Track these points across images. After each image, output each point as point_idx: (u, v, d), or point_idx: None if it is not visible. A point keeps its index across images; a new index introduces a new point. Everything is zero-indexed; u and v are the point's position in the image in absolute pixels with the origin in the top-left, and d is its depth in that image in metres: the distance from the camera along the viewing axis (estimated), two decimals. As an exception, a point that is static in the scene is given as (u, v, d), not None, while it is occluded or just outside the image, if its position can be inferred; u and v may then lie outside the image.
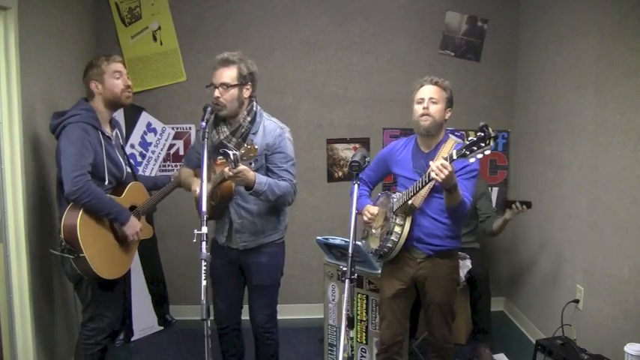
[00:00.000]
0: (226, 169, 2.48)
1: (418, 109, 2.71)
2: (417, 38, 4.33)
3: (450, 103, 2.75)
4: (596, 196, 3.17)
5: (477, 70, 4.38)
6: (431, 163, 2.43)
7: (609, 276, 3.02)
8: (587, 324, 3.21)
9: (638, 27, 2.82)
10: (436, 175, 2.39)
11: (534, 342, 3.31)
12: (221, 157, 2.65)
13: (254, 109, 2.77)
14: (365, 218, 2.84)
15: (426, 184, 2.54)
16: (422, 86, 2.74)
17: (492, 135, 2.23)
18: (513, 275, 4.44)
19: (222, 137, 2.70)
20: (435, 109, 2.68)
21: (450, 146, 2.70)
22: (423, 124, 2.69)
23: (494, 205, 4.08)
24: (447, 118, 2.75)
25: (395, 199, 2.72)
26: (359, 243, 2.94)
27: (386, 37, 4.32)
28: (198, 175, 2.82)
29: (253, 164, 2.68)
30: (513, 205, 3.51)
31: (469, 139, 2.32)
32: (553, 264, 3.74)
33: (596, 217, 3.16)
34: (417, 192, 2.60)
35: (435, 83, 2.72)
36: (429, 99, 2.69)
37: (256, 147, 2.45)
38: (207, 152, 2.43)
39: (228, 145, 2.70)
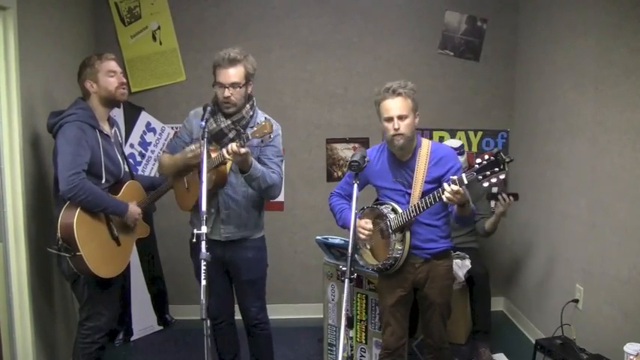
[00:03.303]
0: (234, 144, 2.50)
1: (389, 127, 2.62)
2: (416, 38, 4.33)
3: (416, 107, 2.67)
4: (595, 196, 3.17)
5: (476, 69, 4.38)
6: (445, 185, 2.37)
7: (608, 276, 3.02)
8: (586, 324, 3.20)
9: (637, 26, 2.82)
10: (450, 201, 2.39)
11: (534, 342, 3.32)
12: (216, 144, 2.73)
13: (255, 103, 2.85)
14: (362, 236, 2.73)
15: (432, 205, 2.52)
16: (385, 99, 2.63)
17: (507, 160, 2.23)
18: (513, 275, 4.44)
19: (222, 125, 2.74)
20: (406, 125, 2.61)
21: (426, 149, 2.69)
22: (397, 144, 2.63)
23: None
24: (416, 123, 2.68)
25: (391, 217, 2.66)
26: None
27: (385, 37, 4.33)
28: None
29: (256, 150, 2.76)
30: (499, 197, 3.51)
31: (477, 162, 2.30)
32: (552, 264, 3.74)
33: (595, 217, 3.16)
34: (422, 212, 2.57)
35: (399, 94, 2.60)
36: (397, 117, 2.60)
37: (271, 123, 2.54)
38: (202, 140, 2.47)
39: (229, 134, 2.74)
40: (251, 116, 2.80)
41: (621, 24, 2.93)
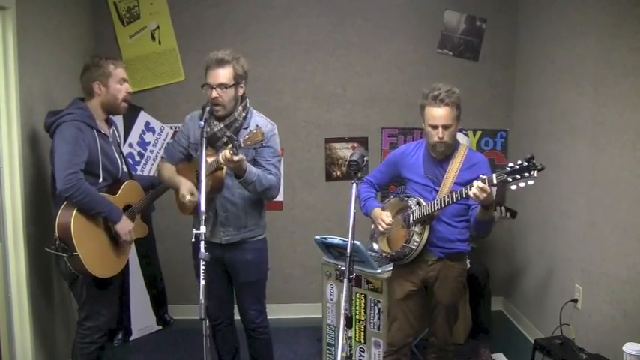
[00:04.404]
0: (227, 152, 2.48)
1: (432, 134, 2.67)
2: (415, 38, 4.33)
3: (460, 114, 2.73)
4: (594, 196, 3.17)
5: (475, 69, 4.38)
6: (475, 183, 2.37)
7: (608, 275, 3.02)
8: (585, 323, 3.21)
9: (636, 26, 2.82)
10: (476, 197, 2.39)
11: (533, 341, 3.31)
12: (211, 149, 2.70)
13: (248, 105, 2.82)
14: (380, 229, 2.80)
15: (457, 200, 2.54)
16: (431, 106, 2.65)
17: (539, 167, 2.24)
18: (512, 275, 4.44)
19: (215, 129, 2.72)
20: (449, 134, 2.67)
21: (462, 153, 2.74)
22: (439, 150, 2.70)
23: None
24: (458, 126, 2.75)
25: (415, 208, 2.71)
26: (358, 242, 2.94)
27: (384, 37, 4.32)
28: (181, 172, 2.85)
29: (252, 152, 2.73)
30: (498, 208, 3.51)
31: (510, 165, 2.32)
32: (551, 263, 3.74)
33: (595, 217, 3.16)
34: (446, 206, 2.60)
35: (446, 105, 2.62)
36: (442, 126, 2.64)
37: (262, 131, 2.51)
38: (197, 145, 2.45)
39: (222, 138, 2.73)
40: (244, 118, 2.78)
41: (621, 24, 2.93)
